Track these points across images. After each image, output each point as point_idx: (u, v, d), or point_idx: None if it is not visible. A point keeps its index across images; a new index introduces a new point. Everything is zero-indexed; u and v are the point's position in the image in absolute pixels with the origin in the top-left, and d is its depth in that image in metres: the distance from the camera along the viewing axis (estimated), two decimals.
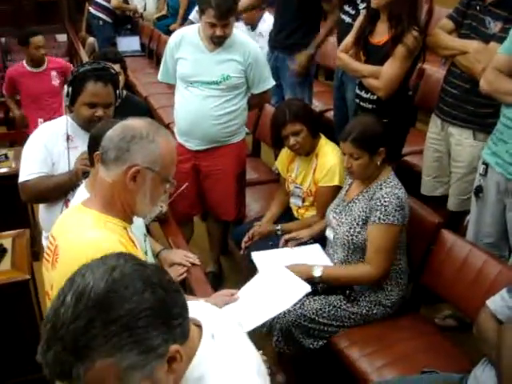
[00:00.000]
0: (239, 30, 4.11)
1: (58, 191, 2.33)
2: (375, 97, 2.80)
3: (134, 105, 3.27)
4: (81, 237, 1.45)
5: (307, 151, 2.79)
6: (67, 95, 2.33)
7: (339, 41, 3.29)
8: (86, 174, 2.20)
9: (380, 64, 2.71)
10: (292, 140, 2.71)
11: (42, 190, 2.33)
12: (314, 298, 2.31)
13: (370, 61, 2.78)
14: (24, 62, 4.48)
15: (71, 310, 0.88)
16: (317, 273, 2.28)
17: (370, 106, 2.85)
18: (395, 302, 2.36)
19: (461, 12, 2.68)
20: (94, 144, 1.90)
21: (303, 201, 2.85)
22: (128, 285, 0.90)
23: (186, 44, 2.92)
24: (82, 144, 2.31)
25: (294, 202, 2.90)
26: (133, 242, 1.53)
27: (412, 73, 2.86)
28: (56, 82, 4.48)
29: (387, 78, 2.69)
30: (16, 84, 4.50)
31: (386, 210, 2.24)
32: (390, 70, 2.68)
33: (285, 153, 2.96)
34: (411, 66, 2.74)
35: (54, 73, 4.47)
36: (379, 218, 2.24)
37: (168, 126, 4.20)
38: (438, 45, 2.71)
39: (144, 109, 3.39)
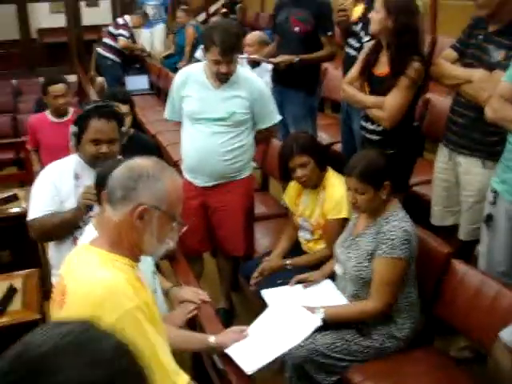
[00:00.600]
0: (245, 64, 4.21)
1: (63, 228, 2.38)
2: (381, 128, 2.83)
3: (143, 143, 3.32)
4: (89, 276, 1.47)
5: (314, 183, 2.81)
6: (74, 135, 2.41)
7: (345, 74, 3.35)
8: (91, 208, 2.23)
9: (384, 95, 2.76)
10: (299, 172, 2.74)
11: (48, 227, 2.37)
12: (326, 332, 2.30)
13: (374, 92, 2.83)
14: (48, 111, 4.07)
15: (6, 365, 0.78)
16: (319, 314, 2.26)
17: (377, 138, 2.88)
18: (408, 334, 2.34)
19: (464, 41, 2.73)
20: (100, 183, 1.94)
21: (312, 234, 2.86)
22: (70, 353, 0.79)
23: (192, 82, 2.99)
24: (89, 181, 2.36)
25: (303, 235, 2.91)
26: (140, 281, 1.54)
27: (416, 103, 2.90)
28: None
29: (391, 108, 2.73)
30: (36, 134, 4.07)
31: (392, 244, 2.24)
32: (393, 100, 2.72)
33: (292, 187, 2.99)
34: (415, 96, 2.78)
35: None
36: (385, 252, 2.25)
37: (176, 164, 4.25)
38: (442, 74, 2.75)
39: (152, 147, 3.44)
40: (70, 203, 2.42)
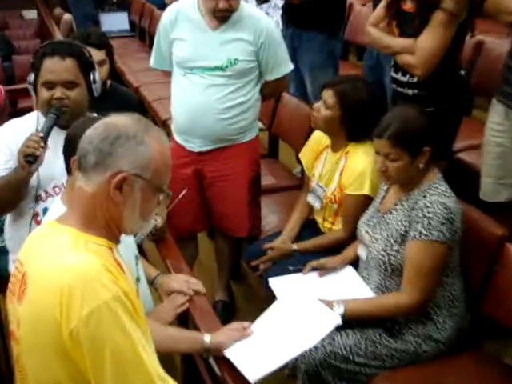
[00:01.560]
0: (250, 1, 4.16)
1: (6, 191, 2.33)
2: (415, 79, 2.80)
3: (122, 98, 3.30)
4: (56, 261, 1.46)
5: (327, 133, 2.83)
6: (30, 83, 2.41)
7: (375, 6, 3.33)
8: (32, 159, 2.20)
9: (416, 36, 2.71)
10: (317, 105, 2.77)
11: None
12: (347, 331, 2.31)
13: (405, 34, 2.79)
14: None
15: None
16: (338, 310, 2.26)
17: (411, 92, 2.85)
18: (450, 336, 2.34)
19: None
20: (70, 147, 1.93)
21: (324, 208, 2.86)
22: None
23: (183, 21, 2.96)
24: (54, 144, 2.35)
25: (312, 201, 2.91)
26: (120, 267, 1.54)
27: (460, 45, 2.85)
28: None
29: (423, 51, 2.68)
30: None
31: (429, 224, 2.23)
32: (425, 41, 2.67)
33: (311, 144, 2.99)
34: (458, 35, 2.72)
35: None
36: (420, 233, 2.24)
37: (165, 123, 4.25)
38: (500, 8, 2.70)
39: (133, 102, 3.43)
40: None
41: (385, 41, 2.86)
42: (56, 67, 2.36)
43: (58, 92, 2.35)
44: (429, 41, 2.67)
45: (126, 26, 7.53)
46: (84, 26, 6.31)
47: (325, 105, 2.74)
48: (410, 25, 2.76)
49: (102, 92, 3.14)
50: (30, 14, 8.81)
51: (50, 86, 2.36)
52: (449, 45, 2.70)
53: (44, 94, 2.37)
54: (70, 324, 1.38)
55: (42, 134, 2.27)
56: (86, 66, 2.43)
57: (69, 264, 1.44)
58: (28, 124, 2.44)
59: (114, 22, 7.52)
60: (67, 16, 7.67)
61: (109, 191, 1.49)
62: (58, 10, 8.09)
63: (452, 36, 2.70)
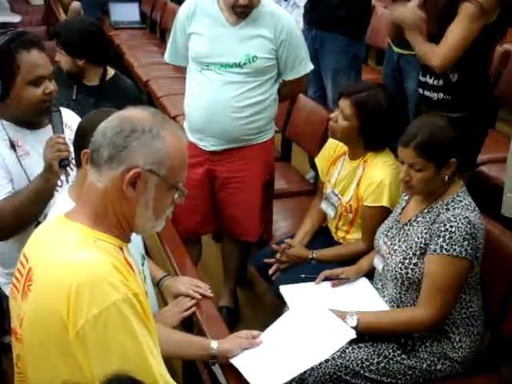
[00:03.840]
0: None
1: (37, 201, 2.23)
2: (441, 82, 2.79)
3: (121, 90, 3.24)
4: (64, 258, 1.45)
5: (346, 143, 2.82)
6: None
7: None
8: (64, 162, 2.16)
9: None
10: (334, 114, 2.76)
11: (16, 209, 2.20)
12: (360, 345, 2.30)
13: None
14: None
15: None
16: (351, 322, 2.25)
17: (435, 96, 2.84)
18: (467, 356, 2.33)
19: None
20: (81, 139, 1.91)
21: (339, 217, 2.86)
22: None
23: (202, 15, 2.96)
24: (32, 148, 2.30)
25: (326, 208, 2.90)
26: (130, 266, 1.53)
27: (491, 49, 2.84)
28: None
29: (444, 42, 2.65)
30: None
31: (451, 238, 2.22)
32: (450, 33, 2.64)
33: (328, 149, 2.98)
34: (487, 38, 2.70)
35: None
36: (442, 248, 2.23)
37: (175, 120, 4.23)
38: None
39: (132, 95, 3.32)
40: (21, 182, 2.27)
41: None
42: (41, 61, 2.23)
43: (51, 85, 2.25)
44: (452, 33, 2.65)
45: (136, 17, 7.51)
46: (92, 15, 6.32)
47: (342, 115, 2.73)
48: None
49: (101, 83, 3.13)
50: (37, 0, 8.82)
51: (38, 82, 2.22)
52: (472, 41, 2.64)
53: (32, 92, 2.22)
54: (77, 324, 1.38)
55: (63, 135, 2.22)
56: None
57: (77, 262, 1.43)
58: None
59: (124, 12, 7.49)
60: (76, 3, 7.62)
61: (122, 187, 1.47)
62: None
63: (478, 31, 2.64)
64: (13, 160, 2.29)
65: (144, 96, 3.94)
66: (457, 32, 2.64)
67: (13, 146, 2.29)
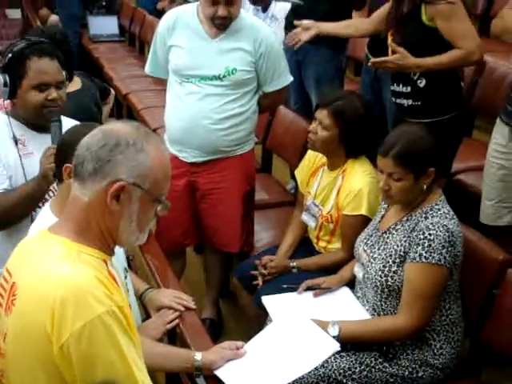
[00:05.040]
0: (247, 7, 4.19)
1: (27, 204, 2.36)
2: (409, 88, 2.86)
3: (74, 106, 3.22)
4: (47, 273, 1.45)
5: (325, 154, 2.84)
6: (5, 85, 2.38)
7: (369, 14, 3.39)
8: (57, 174, 2.21)
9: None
10: (313, 126, 2.77)
11: (8, 207, 2.34)
12: (341, 354, 2.30)
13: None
14: None
15: None
16: (333, 331, 2.27)
17: (405, 103, 2.91)
18: (448, 362, 2.35)
19: None
20: (64, 154, 1.93)
21: (320, 228, 2.87)
22: None
23: (182, 28, 2.97)
24: (37, 150, 2.36)
25: (307, 220, 2.92)
26: (114, 279, 1.54)
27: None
28: None
29: (464, 34, 2.77)
30: None
31: (430, 246, 2.24)
32: (456, 30, 2.75)
33: (307, 161, 3.01)
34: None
35: None
36: (421, 256, 2.25)
37: (155, 133, 4.22)
38: (508, 29, 2.75)
39: (84, 115, 3.22)
40: (18, 180, 2.40)
41: None
42: (49, 68, 2.39)
43: (54, 93, 2.38)
44: (457, 27, 2.76)
45: (115, 30, 7.54)
46: (71, 28, 6.31)
47: (321, 125, 2.75)
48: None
49: None
50: (15, 14, 8.77)
51: (43, 88, 2.37)
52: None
53: (35, 96, 2.38)
54: (61, 338, 1.38)
55: None
56: (62, 65, 2.48)
57: (61, 275, 1.43)
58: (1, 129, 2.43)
59: (103, 25, 7.51)
60: (54, 17, 7.62)
61: (105, 200, 1.49)
62: (44, 11, 8.04)
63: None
64: (15, 157, 2.40)
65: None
66: (459, 25, 2.76)
67: (16, 143, 2.41)
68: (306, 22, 3.28)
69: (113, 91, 4.09)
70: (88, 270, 1.47)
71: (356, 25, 3.42)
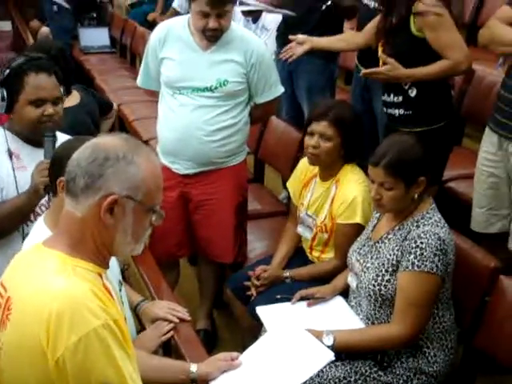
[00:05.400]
0: (238, 19, 4.21)
1: (16, 218, 2.38)
2: (400, 98, 2.90)
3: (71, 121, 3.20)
4: (42, 287, 1.46)
5: (324, 167, 2.84)
6: (2, 99, 2.41)
7: (360, 30, 3.42)
8: (48, 188, 2.22)
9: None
10: (314, 141, 2.75)
11: None
12: (336, 363, 2.31)
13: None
14: None
15: None
16: (327, 341, 2.27)
17: (397, 112, 2.95)
18: (441, 370, 2.36)
19: None
20: (57, 168, 1.94)
21: (314, 238, 2.88)
22: None
23: (173, 41, 2.99)
24: (30, 163, 2.38)
25: (302, 232, 2.93)
26: (109, 292, 1.55)
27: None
28: None
29: (452, 45, 2.81)
30: None
31: (422, 254, 2.26)
32: (444, 40, 2.80)
33: (299, 172, 3.01)
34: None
35: None
36: (413, 264, 2.26)
37: (147, 144, 4.25)
38: (494, 39, 2.78)
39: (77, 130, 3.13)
40: (10, 193, 2.41)
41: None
42: (46, 84, 2.41)
43: (51, 109, 2.40)
44: (445, 38, 2.80)
45: (106, 41, 7.52)
46: (61, 40, 6.30)
47: (323, 138, 2.74)
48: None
49: None
50: (5, 26, 8.74)
51: (39, 103, 2.39)
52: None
53: (31, 111, 2.40)
54: (57, 352, 1.38)
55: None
56: (60, 80, 2.50)
57: (56, 289, 1.44)
58: None
59: (94, 37, 7.50)
60: (45, 29, 7.59)
61: (99, 214, 1.49)
62: (34, 23, 7.99)
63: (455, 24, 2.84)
64: (8, 170, 2.42)
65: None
66: (447, 36, 2.81)
67: (10, 156, 2.43)
68: (300, 36, 3.30)
69: (115, 105, 4.07)
70: (83, 283, 1.47)
71: (348, 39, 3.46)
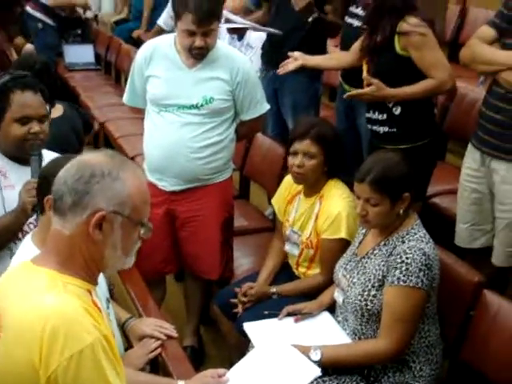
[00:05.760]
0: (223, 36, 4.24)
1: (4, 237, 2.39)
2: (385, 116, 2.94)
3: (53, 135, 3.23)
4: (34, 303, 1.46)
5: (309, 184, 2.86)
6: None
7: (343, 48, 3.49)
8: (36, 207, 2.23)
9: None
10: (298, 160, 2.77)
11: None
12: (324, 378, 2.31)
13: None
14: None
15: None
16: (315, 356, 2.29)
17: (381, 130, 2.99)
18: (428, 383, 2.38)
19: (506, 17, 2.78)
20: (44, 186, 1.95)
21: (300, 254, 2.89)
22: None
23: (159, 58, 3.00)
24: (18, 182, 2.38)
25: (290, 249, 2.95)
26: (99, 309, 1.55)
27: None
28: None
29: (436, 64, 2.88)
30: None
31: (407, 269, 2.28)
32: (428, 60, 2.86)
33: (283, 189, 3.03)
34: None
35: None
36: (399, 279, 2.29)
37: (133, 160, 4.25)
38: (475, 59, 2.83)
39: (61, 144, 3.17)
40: None
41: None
42: (32, 102, 2.42)
43: (37, 126, 2.41)
44: (429, 58, 2.87)
45: (91, 58, 7.50)
46: (46, 57, 6.28)
47: (307, 156, 2.77)
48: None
49: None
50: None
51: (25, 121, 2.40)
52: None
53: (17, 129, 2.41)
54: (50, 368, 1.39)
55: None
56: (46, 98, 2.52)
57: (49, 306, 1.45)
58: None
59: (79, 54, 7.48)
60: (29, 46, 7.54)
61: (88, 231, 1.51)
62: (19, 39, 7.95)
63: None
64: None
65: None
66: (431, 55, 2.87)
67: None
68: (296, 53, 3.36)
69: (96, 126, 4.06)
70: (74, 300, 1.48)
71: (338, 57, 3.51)
